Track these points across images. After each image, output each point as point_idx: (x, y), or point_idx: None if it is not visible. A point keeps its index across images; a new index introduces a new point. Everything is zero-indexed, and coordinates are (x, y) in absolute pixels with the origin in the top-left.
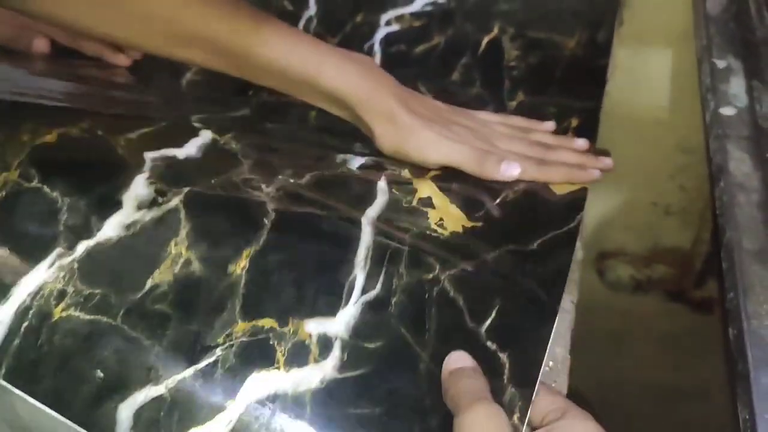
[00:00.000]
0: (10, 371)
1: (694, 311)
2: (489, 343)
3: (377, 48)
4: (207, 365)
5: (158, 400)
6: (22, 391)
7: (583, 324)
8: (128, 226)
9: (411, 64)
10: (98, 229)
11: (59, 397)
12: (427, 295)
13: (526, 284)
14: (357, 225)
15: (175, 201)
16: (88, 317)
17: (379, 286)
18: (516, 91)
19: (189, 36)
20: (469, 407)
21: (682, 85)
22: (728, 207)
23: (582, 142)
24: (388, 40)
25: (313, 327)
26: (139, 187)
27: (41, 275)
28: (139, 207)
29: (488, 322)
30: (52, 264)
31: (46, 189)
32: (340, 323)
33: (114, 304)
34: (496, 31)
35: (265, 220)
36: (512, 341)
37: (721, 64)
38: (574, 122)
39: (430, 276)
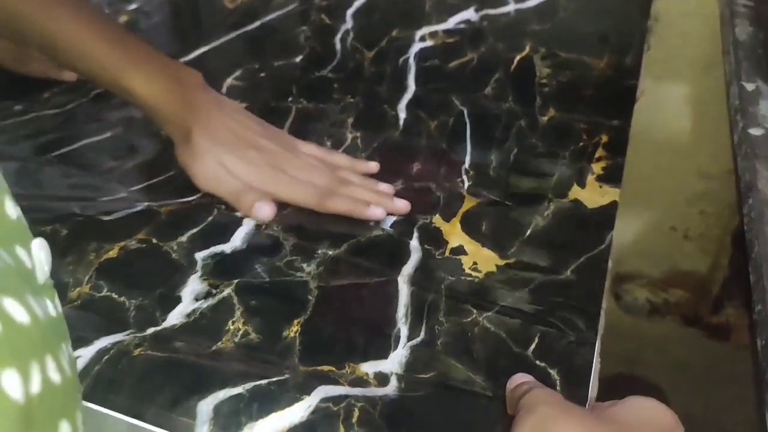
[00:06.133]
0: (87, 391)
1: (710, 337)
2: (538, 362)
3: (411, 62)
4: (279, 380)
5: (237, 397)
6: (100, 405)
7: (600, 348)
8: (189, 315)
9: (445, 79)
10: (163, 320)
11: (137, 406)
12: (469, 334)
13: (563, 311)
14: (394, 286)
15: (228, 290)
16: (164, 355)
17: (422, 333)
18: (547, 107)
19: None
20: (527, 390)
21: (704, 111)
22: (756, 223)
23: (385, 187)
24: (422, 55)
25: (369, 368)
26: (195, 284)
27: (118, 338)
28: (197, 299)
29: (533, 346)
30: (127, 335)
31: (114, 296)
32: (393, 362)
33: (185, 352)
34: (527, 50)
35: (310, 297)
36: (559, 359)
37: (750, 86)
38: (604, 138)
39: (469, 320)
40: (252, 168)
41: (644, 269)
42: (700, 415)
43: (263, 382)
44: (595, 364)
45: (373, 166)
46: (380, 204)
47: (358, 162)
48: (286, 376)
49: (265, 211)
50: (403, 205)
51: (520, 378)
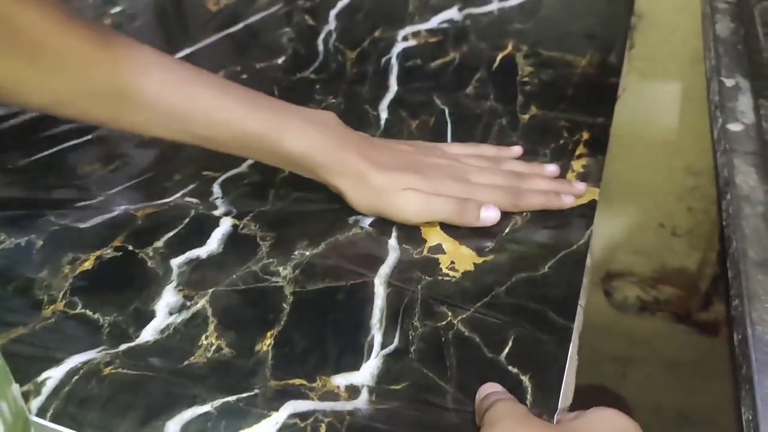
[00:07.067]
0: (57, 412)
1: (700, 333)
2: (510, 368)
3: (394, 62)
4: (249, 396)
5: (205, 415)
6: (69, 427)
7: (589, 346)
8: (162, 330)
9: (427, 78)
10: (136, 337)
11: (105, 427)
12: (443, 339)
13: (539, 310)
14: (370, 287)
15: (202, 302)
16: (134, 372)
17: (396, 340)
18: (528, 106)
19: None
20: (492, 404)
21: (690, 108)
22: (734, 218)
23: (553, 168)
24: (405, 55)
25: (340, 380)
26: (169, 296)
27: (89, 356)
28: (171, 313)
29: (506, 350)
30: (98, 353)
31: (89, 313)
32: (364, 374)
33: (157, 368)
34: (509, 48)
35: (284, 305)
36: (532, 364)
37: (729, 82)
38: (585, 136)
39: (444, 323)
40: (443, 182)
41: (634, 267)
42: (691, 411)
43: (232, 398)
44: (569, 368)
45: (518, 150)
46: (566, 191)
47: (504, 149)
48: (256, 391)
49: (494, 212)
50: (582, 187)
51: (488, 388)
